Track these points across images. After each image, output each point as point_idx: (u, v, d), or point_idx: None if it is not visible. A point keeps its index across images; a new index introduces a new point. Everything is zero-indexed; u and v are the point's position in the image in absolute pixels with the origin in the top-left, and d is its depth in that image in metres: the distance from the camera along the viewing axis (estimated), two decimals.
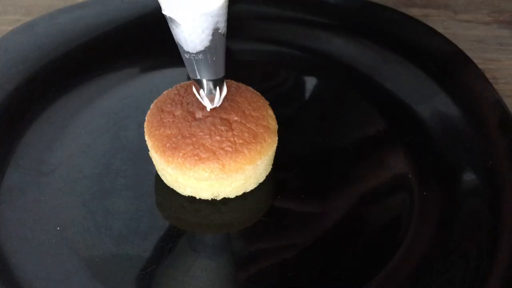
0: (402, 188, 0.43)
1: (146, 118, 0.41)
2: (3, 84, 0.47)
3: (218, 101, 0.38)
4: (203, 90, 0.37)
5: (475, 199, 0.41)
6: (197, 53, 0.34)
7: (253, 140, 0.39)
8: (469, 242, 0.38)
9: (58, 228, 0.39)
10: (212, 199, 0.41)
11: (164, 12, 0.33)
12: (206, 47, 0.34)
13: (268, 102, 0.43)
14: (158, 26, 0.56)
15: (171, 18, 0.32)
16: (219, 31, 0.34)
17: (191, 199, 0.41)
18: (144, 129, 0.41)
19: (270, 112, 0.42)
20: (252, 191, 0.42)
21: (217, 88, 0.37)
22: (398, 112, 0.49)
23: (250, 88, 0.43)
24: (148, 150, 0.41)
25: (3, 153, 0.43)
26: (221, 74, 0.37)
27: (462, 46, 0.54)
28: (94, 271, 0.36)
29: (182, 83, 0.43)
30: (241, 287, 0.37)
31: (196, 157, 0.38)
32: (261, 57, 0.55)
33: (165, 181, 0.42)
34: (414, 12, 0.64)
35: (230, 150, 0.38)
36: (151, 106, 0.42)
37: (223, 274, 0.37)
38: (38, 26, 0.53)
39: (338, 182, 0.43)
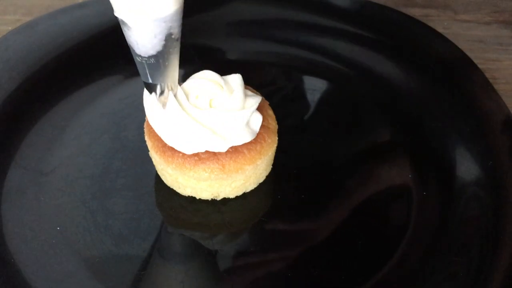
0: (402, 188, 0.43)
1: (146, 118, 0.41)
2: (3, 84, 0.47)
3: (170, 105, 0.37)
4: (155, 94, 0.36)
5: (475, 199, 0.41)
6: (149, 57, 0.33)
7: (253, 140, 0.39)
8: (470, 242, 0.38)
9: (58, 228, 0.39)
10: (212, 199, 0.41)
11: (116, 14, 0.31)
12: (158, 52, 0.33)
13: (268, 102, 0.43)
14: None
15: (122, 21, 0.31)
16: (173, 36, 0.33)
17: (191, 199, 0.41)
18: (144, 129, 0.41)
19: (270, 112, 0.42)
20: (252, 191, 0.42)
21: (169, 92, 0.36)
22: (398, 112, 0.49)
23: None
24: (148, 150, 0.41)
25: (4, 153, 0.43)
26: (174, 78, 0.36)
27: (462, 46, 0.54)
28: (94, 271, 0.36)
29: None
30: (241, 287, 0.37)
31: (196, 157, 0.38)
32: (262, 57, 0.55)
33: (165, 181, 0.42)
34: (414, 12, 0.64)
35: (230, 150, 0.38)
36: None
37: (223, 274, 0.37)
38: (38, 26, 0.53)
39: (338, 182, 0.43)
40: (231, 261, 0.38)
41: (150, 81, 0.36)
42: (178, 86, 0.37)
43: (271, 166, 0.43)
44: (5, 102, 0.46)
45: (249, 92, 0.40)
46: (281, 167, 0.44)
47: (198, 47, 0.55)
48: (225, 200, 0.41)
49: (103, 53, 0.53)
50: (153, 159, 0.42)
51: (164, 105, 0.37)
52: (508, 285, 0.35)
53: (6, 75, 0.48)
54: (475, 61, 0.51)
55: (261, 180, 0.43)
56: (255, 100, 0.39)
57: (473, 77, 0.49)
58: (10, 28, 0.57)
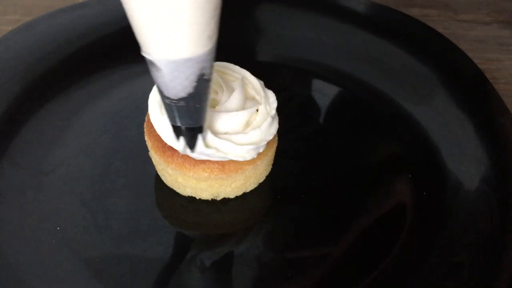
0: (402, 188, 0.43)
1: (146, 118, 0.41)
2: (3, 84, 0.47)
3: (198, 150, 0.35)
4: (183, 137, 0.34)
5: (476, 199, 0.41)
6: (179, 99, 0.30)
7: None
8: (471, 242, 0.38)
9: (58, 228, 0.39)
10: (212, 199, 0.41)
11: (144, 54, 0.29)
12: (189, 94, 0.30)
13: None
14: None
15: (151, 61, 0.28)
16: (205, 77, 0.30)
17: (191, 199, 0.41)
18: (144, 129, 0.41)
19: None
20: (252, 191, 0.42)
21: (197, 136, 0.34)
22: (398, 112, 0.49)
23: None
24: (148, 150, 0.41)
25: (4, 153, 0.43)
26: (202, 122, 0.33)
27: (462, 46, 0.54)
28: (94, 271, 0.36)
29: None
30: (241, 287, 0.37)
31: None
32: (262, 57, 0.55)
33: (165, 181, 0.42)
34: (414, 12, 0.64)
35: None
36: None
37: (223, 274, 0.37)
38: (38, 26, 0.53)
39: (338, 182, 0.43)
40: (231, 261, 0.38)
41: (179, 124, 0.33)
42: (206, 130, 0.35)
43: (271, 166, 0.43)
44: (5, 102, 0.46)
45: (249, 93, 0.40)
46: (281, 167, 0.44)
47: None
48: (225, 200, 0.41)
49: (103, 53, 0.53)
50: (153, 159, 0.42)
51: (192, 149, 0.35)
52: (510, 286, 0.35)
53: (6, 75, 0.48)
54: (475, 61, 0.51)
55: (261, 180, 0.43)
56: (255, 100, 0.39)
57: (473, 77, 0.49)
58: (10, 28, 0.57)
